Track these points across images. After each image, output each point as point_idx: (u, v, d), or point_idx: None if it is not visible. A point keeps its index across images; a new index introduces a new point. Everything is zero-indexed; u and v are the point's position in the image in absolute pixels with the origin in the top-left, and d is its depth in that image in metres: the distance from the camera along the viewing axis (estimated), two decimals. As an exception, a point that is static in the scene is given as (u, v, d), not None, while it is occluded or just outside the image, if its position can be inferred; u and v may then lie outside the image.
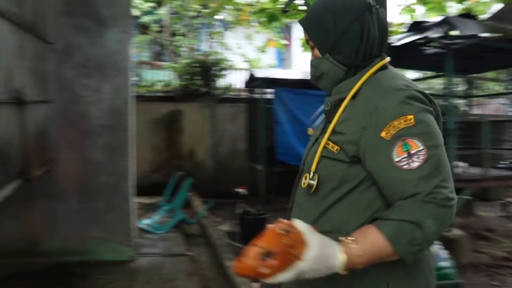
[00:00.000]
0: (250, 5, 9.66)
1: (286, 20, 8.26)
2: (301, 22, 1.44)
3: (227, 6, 10.36)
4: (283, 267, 1.12)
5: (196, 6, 11.38)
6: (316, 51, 1.41)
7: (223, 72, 9.93)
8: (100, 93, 4.60)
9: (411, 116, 1.21)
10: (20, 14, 3.18)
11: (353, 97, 1.33)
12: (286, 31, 13.34)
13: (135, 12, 10.53)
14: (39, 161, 3.64)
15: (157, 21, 12.51)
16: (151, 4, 11.99)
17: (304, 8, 6.19)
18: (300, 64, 14.09)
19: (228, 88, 9.97)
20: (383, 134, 1.22)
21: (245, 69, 11.79)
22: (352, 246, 1.17)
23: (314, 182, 1.34)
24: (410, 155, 1.19)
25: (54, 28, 4.26)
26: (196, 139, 9.20)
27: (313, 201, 1.37)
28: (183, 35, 12.08)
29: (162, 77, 10.82)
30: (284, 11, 6.86)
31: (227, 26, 12.27)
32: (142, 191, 6.08)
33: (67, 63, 4.50)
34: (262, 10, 7.26)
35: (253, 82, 8.93)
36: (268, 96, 8.45)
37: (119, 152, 4.64)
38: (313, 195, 1.35)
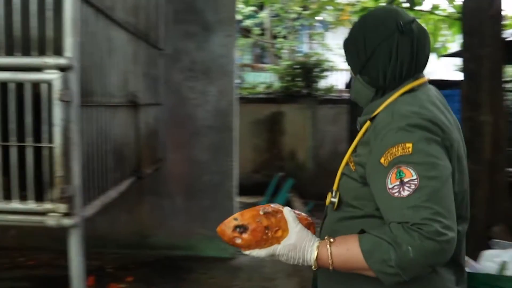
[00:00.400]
0: (351, 4, 9.49)
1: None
2: (343, 43, 1.49)
3: (327, 7, 10.28)
4: (258, 244, 1.26)
5: (297, 8, 11.42)
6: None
7: (324, 73, 9.85)
8: (206, 95, 4.80)
9: (410, 144, 1.18)
10: (136, 24, 3.41)
11: (372, 120, 1.33)
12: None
13: (238, 17, 10.82)
14: (149, 160, 3.88)
15: (259, 25, 12.74)
16: (253, 8, 12.24)
17: (408, 5, 5.96)
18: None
19: (329, 89, 9.87)
20: (382, 159, 1.21)
21: (347, 70, 11.62)
22: (328, 247, 1.21)
23: (335, 200, 1.40)
24: (402, 183, 1.16)
25: (164, 35, 4.52)
26: (297, 140, 9.23)
27: (337, 215, 1.41)
28: (284, 37, 12.19)
29: (264, 79, 10.99)
30: (387, 9, 6.65)
31: (328, 26, 12.15)
32: (244, 190, 6.23)
33: (175, 67, 4.76)
34: (363, 9, 7.10)
35: (355, 82, 8.77)
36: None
37: (224, 152, 4.81)
38: (337, 211, 1.40)
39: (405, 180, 1.16)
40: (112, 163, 2.94)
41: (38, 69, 2.24)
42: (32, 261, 4.82)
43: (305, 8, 11.17)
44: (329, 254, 1.20)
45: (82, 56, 2.35)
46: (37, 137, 2.31)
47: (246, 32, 12.52)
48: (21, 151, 2.34)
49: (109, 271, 4.58)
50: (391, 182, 1.18)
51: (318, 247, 1.23)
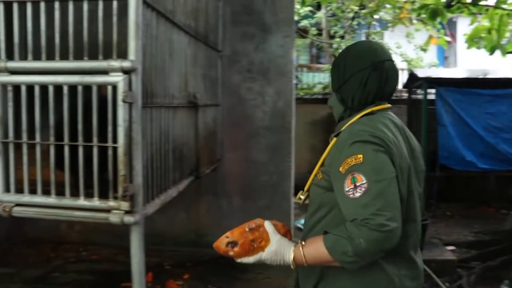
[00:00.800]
0: (410, 2, 9.22)
1: (450, 15, 7.71)
2: (332, 62, 1.81)
3: (385, 5, 10.05)
4: (246, 254, 1.58)
5: (354, 7, 11.25)
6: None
7: (382, 73, 9.64)
8: (263, 96, 4.82)
9: (361, 155, 1.47)
10: (195, 26, 3.48)
11: (338, 136, 1.64)
12: (449, 27, 12.45)
13: (295, 17, 10.79)
14: (208, 160, 3.93)
15: (315, 25, 12.66)
16: (309, 8, 12.17)
17: (469, 1, 5.72)
18: (465, 62, 13.06)
19: (387, 89, 9.66)
20: (340, 168, 1.51)
21: (405, 69, 11.33)
22: (301, 249, 1.54)
23: (303, 197, 1.81)
24: (355, 187, 1.45)
25: (222, 36, 4.58)
26: (354, 141, 9.09)
27: (309, 213, 1.75)
28: (341, 37, 12.03)
29: (321, 79, 10.91)
30: (448, 6, 6.41)
31: (386, 25, 11.88)
32: (299, 191, 6.20)
33: (233, 68, 4.81)
34: (423, 6, 6.88)
35: (413, 82, 8.52)
36: (430, 97, 7.98)
37: (281, 152, 4.81)
38: (313, 215, 1.71)
39: (358, 184, 1.45)
40: (172, 162, 3.00)
41: (104, 72, 2.33)
42: (95, 256, 5.02)
43: (362, 7, 10.98)
44: (303, 255, 1.52)
45: (144, 59, 2.42)
46: (102, 138, 2.40)
47: (302, 32, 12.47)
48: (86, 151, 2.45)
49: (167, 268, 4.69)
50: (347, 186, 1.47)
51: (293, 250, 1.55)
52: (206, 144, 3.88)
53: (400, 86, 10.17)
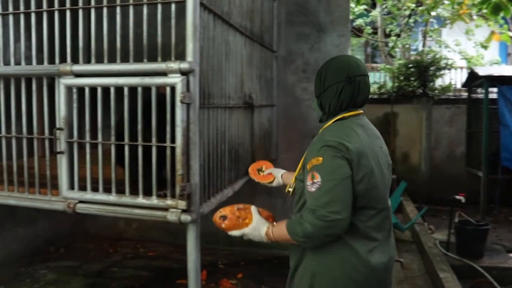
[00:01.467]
0: (471, -4, 8.87)
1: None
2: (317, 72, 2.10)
3: (444, 1, 9.71)
4: (234, 227, 2.06)
5: (410, 4, 10.94)
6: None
7: (441, 72, 9.33)
8: (318, 97, 4.77)
9: (321, 158, 1.83)
10: (251, 27, 3.49)
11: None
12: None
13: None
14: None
15: (370, 23, 12.43)
16: (364, 7, 11.96)
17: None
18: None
19: (446, 88, 9.34)
20: (308, 166, 1.88)
21: (465, 67, 10.91)
22: (271, 228, 2.01)
23: (291, 189, 2.20)
24: (313, 183, 1.83)
25: (277, 37, 4.57)
26: (410, 142, 8.85)
27: (294, 202, 2.10)
28: (397, 35, 11.74)
29: (376, 79, 10.70)
30: (514, -1, 6.11)
31: (444, 22, 11.48)
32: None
33: (288, 68, 4.80)
34: (485, 1, 6.57)
35: (474, 80, 8.19)
36: (492, 96, 7.64)
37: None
38: (293, 198, 2.13)
39: (315, 181, 1.82)
40: (228, 162, 3.03)
41: (162, 73, 2.38)
42: (151, 252, 5.15)
43: (419, 3, 10.67)
44: (271, 232, 2.00)
45: (202, 60, 2.45)
46: (160, 138, 2.45)
47: (357, 31, 12.28)
48: (143, 150, 2.51)
49: (221, 266, 4.74)
50: (308, 181, 1.86)
51: (267, 227, 2.02)
52: (261, 144, 3.89)
53: (458, 85, 9.82)
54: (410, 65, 9.29)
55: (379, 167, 1.91)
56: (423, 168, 8.86)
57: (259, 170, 2.89)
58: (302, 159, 2.03)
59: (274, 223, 2.03)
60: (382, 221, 1.94)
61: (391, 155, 8.10)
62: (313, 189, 1.82)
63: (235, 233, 2.07)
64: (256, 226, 2.04)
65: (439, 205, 7.90)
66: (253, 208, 2.11)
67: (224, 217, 2.08)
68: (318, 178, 1.80)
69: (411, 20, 11.61)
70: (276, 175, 2.77)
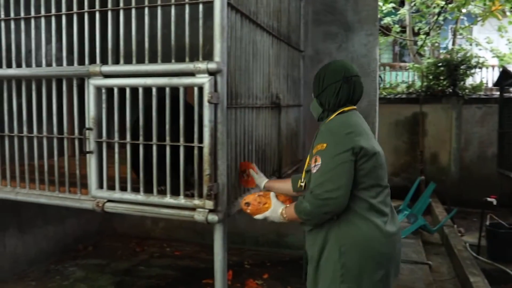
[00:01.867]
0: (504, -8, 8.65)
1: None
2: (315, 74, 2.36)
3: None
4: (257, 212, 2.32)
5: (440, 2, 10.74)
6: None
7: (471, 71, 9.13)
8: (345, 97, 4.72)
9: (325, 144, 2.07)
10: (278, 27, 3.47)
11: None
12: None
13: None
14: (290, 161, 3.92)
15: (398, 22, 12.25)
16: (392, 5, 11.80)
17: None
18: None
19: (477, 88, 9.13)
20: (314, 151, 2.15)
21: (497, 66, 10.65)
22: (285, 209, 2.24)
23: (303, 184, 2.33)
24: (315, 165, 2.08)
25: (304, 36, 4.54)
26: (439, 143, 8.69)
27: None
28: (426, 33, 11.54)
29: (404, 78, 10.56)
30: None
31: (475, 19, 11.22)
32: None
33: (316, 68, 4.71)
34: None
35: (506, 79, 7.98)
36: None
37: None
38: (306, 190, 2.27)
39: (316, 163, 2.07)
40: (255, 162, 3.01)
41: (190, 73, 2.38)
42: (177, 252, 5.19)
43: (449, 0, 10.45)
44: (284, 212, 2.23)
45: (229, 60, 2.45)
46: (187, 138, 2.46)
47: (385, 30, 12.12)
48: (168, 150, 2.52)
49: (247, 267, 4.74)
50: (312, 164, 2.10)
51: (282, 208, 2.25)
52: (288, 144, 3.87)
53: (490, 84, 9.59)
54: (440, 64, 9.11)
55: (380, 150, 2.15)
56: (452, 169, 8.69)
57: (243, 172, 2.75)
58: (311, 150, 2.24)
59: (287, 205, 2.26)
60: (386, 197, 2.17)
61: (419, 155, 7.99)
62: (314, 170, 2.07)
63: (258, 216, 2.32)
64: (274, 208, 2.27)
65: (469, 207, 7.75)
66: (271, 194, 2.34)
67: (248, 204, 2.34)
68: (319, 161, 2.05)
69: (441, 18, 11.39)
70: (258, 184, 2.71)
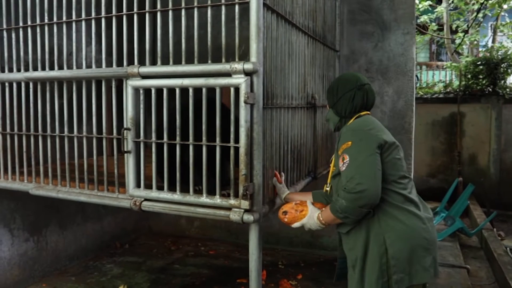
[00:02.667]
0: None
1: None
2: (327, 90, 2.57)
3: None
4: (294, 220, 2.39)
5: (480, -2, 10.45)
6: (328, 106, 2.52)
7: (513, 69, 8.84)
8: (382, 96, 4.67)
9: (350, 142, 2.16)
10: (313, 26, 3.45)
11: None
12: None
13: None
14: (325, 161, 3.89)
15: (435, 20, 11.99)
16: (429, 3, 11.56)
17: None
18: None
19: (518, 87, 8.84)
20: (339, 151, 2.23)
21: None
22: (321, 213, 2.30)
23: (328, 188, 2.48)
24: (344, 163, 2.15)
25: (340, 36, 4.51)
26: (478, 143, 8.46)
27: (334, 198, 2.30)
28: (465, 31, 11.25)
29: (441, 77, 10.34)
30: None
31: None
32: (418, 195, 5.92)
33: (351, 68, 4.71)
34: None
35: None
36: None
37: (401, 154, 4.62)
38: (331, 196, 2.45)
39: (345, 161, 2.14)
40: (290, 163, 3.01)
41: (226, 74, 2.40)
42: (212, 251, 5.23)
43: (489, -3, 10.17)
44: (321, 216, 2.29)
45: (265, 61, 2.45)
46: (224, 138, 2.47)
47: (421, 28, 11.88)
48: (198, 150, 2.53)
49: (281, 267, 4.73)
50: (341, 162, 2.18)
51: (318, 213, 2.31)
52: (323, 145, 3.84)
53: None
54: (479, 63, 8.87)
55: (399, 144, 2.27)
56: (492, 171, 8.44)
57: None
58: (333, 157, 2.40)
59: (323, 209, 2.31)
60: (413, 188, 2.29)
61: (457, 156, 7.82)
62: (343, 168, 2.15)
63: (296, 224, 2.40)
64: (311, 214, 2.34)
65: (509, 210, 7.53)
66: (308, 201, 2.42)
67: (285, 212, 2.42)
68: (346, 159, 2.13)
69: (480, 15, 11.09)
70: (279, 194, 2.74)
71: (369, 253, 2.19)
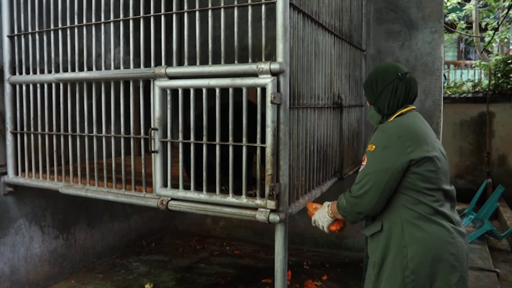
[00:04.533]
0: None
1: None
2: (363, 84, 2.41)
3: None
4: (311, 215, 2.43)
5: (511, -6, 10.20)
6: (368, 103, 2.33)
7: (546, 68, 8.60)
8: (409, 96, 4.61)
9: (374, 146, 2.05)
10: (340, 26, 3.43)
11: None
12: None
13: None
14: (351, 162, 3.87)
15: (464, 18, 11.76)
16: (457, 1, 11.35)
17: None
18: None
19: (551, 86, 8.60)
20: (366, 149, 2.12)
21: None
22: (331, 205, 2.29)
23: None
24: (363, 165, 2.11)
25: (366, 35, 4.47)
26: (508, 144, 8.26)
27: None
28: (495, 29, 11.00)
29: (470, 76, 10.14)
30: None
31: (551, 12, 10.55)
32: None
33: (377, 68, 4.66)
34: None
35: None
36: None
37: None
38: None
39: (363, 163, 2.10)
40: (317, 163, 3.00)
41: (253, 74, 2.40)
42: (237, 251, 5.24)
43: (520, -7, 9.91)
44: (330, 209, 2.29)
45: (291, 61, 2.45)
46: (250, 138, 2.48)
47: (449, 26, 11.67)
48: (224, 150, 2.54)
49: (306, 268, 4.71)
50: (362, 163, 2.13)
51: (328, 205, 2.31)
52: (349, 145, 3.82)
53: None
54: (510, 61, 8.66)
55: (440, 153, 2.07)
56: (523, 172, 8.24)
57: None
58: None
59: (331, 203, 2.31)
60: (448, 201, 2.10)
61: (486, 157, 7.67)
62: (360, 169, 2.13)
63: (312, 218, 2.40)
64: (322, 209, 2.34)
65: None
66: (325, 202, 2.40)
67: (306, 210, 2.53)
68: (364, 162, 2.09)
69: (511, 12, 10.82)
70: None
71: (386, 263, 2.09)
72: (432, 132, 2.15)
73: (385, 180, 1.98)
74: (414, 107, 2.20)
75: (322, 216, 2.31)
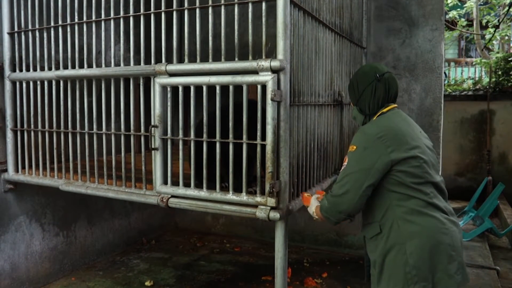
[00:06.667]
0: None
1: None
2: (347, 88, 2.51)
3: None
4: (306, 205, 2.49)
5: (511, -8, 10.18)
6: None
7: (546, 65, 8.59)
8: (410, 93, 4.60)
9: (355, 147, 2.10)
10: (340, 23, 3.43)
11: None
12: None
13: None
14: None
15: (464, 15, 11.75)
16: (458, -3, 11.33)
17: None
18: None
19: (551, 84, 8.58)
20: (348, 150, 2.18)
21: None
22: (315, 208, 2.32)
23: None
24: (343, 165, 2.15)
25: (367, 32, 4.46)
26: (509, 142, 8.25)
27: None
28: (495, 26, 10.99)
29: (470, 74, 10.13)
30: None
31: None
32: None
33: (378, 65, 4.66)
34: None
35: None
36: None
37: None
38: None
39: (344, 164, 2.14)
40: (317, 160, 3.00)
41: (253, 71, 2.40)
42: (237, 248, 5.25)
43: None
44: (314, 211, 2.32)
45: (292, 58, 2.44)
46: (250, 136, 2.47)
47: (450, 24, 11.66)
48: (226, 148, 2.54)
49: (306, 265, 4.72)
50: (343, 163, 2.16)
51: (315, 207, 2.33)
52: (350, 142, 3.82)
53: None
54: (510, 58, 8.65)
55: (424, 146, 2.12)
56: (523, 170, 8.23)
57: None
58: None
59: (319, 202, 2.33)
60: (439, 192, 2.14)
61: (487, 155, 7.64)
62: (341, 169, 2.17)
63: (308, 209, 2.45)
64: (311, 205, 2.38)
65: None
66: (313, 196, 2.46)
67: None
68: (345, 162, 2.12)
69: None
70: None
71: (387, 261, 2.11)
72: (414, 126, 2.21)
73: (365, 180, 2.03)
74: (395, 105, 2.27)
75: (311, 212, 2.36)
